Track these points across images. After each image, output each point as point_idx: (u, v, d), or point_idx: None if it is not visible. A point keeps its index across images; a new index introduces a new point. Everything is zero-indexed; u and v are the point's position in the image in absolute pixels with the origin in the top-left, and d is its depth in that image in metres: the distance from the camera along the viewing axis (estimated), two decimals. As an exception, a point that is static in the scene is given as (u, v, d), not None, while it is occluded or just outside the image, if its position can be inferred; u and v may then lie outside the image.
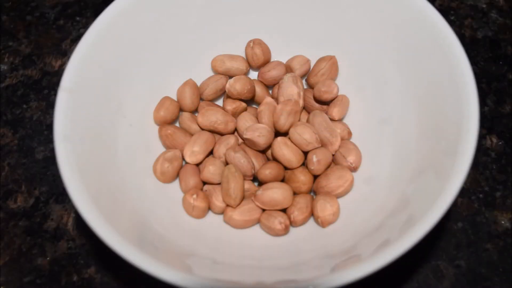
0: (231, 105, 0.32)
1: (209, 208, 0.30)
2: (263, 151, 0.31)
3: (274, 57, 0.35)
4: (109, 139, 0.29)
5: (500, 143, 0.34)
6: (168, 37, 0.32)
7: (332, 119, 0.32)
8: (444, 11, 0.40)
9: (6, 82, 0.38)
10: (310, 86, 0.34)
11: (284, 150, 0.29)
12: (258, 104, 0.34)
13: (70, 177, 0.24)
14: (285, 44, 0.34)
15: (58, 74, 0.38)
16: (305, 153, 0.30)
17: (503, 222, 0.31)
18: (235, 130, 0.32)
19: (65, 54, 0.39)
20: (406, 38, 0.30)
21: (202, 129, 0.32)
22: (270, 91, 0.34)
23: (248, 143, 0.31)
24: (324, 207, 0.28)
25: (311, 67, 0.34)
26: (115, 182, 0.28)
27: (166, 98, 0.32)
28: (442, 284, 0.30)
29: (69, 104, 0.27)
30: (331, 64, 0.33)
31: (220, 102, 0.34)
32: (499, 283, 0.30)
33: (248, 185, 0.30)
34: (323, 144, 0.31)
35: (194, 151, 0.30)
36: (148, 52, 0.32)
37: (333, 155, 0.31)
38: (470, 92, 0.25)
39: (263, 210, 0.29)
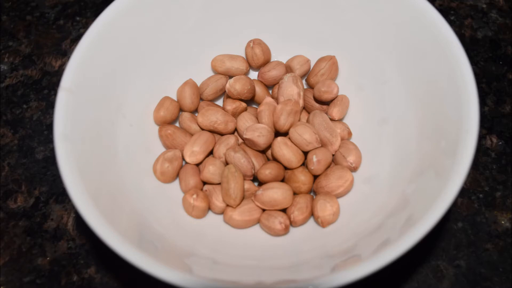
0: (231, 105, 0.32)
1: (209, 208, 0.30)
2: (263, 151, 0.31)
3: (274, 57, 0.35)
4: (109, 139, 0.29)
5: (500, 143, 0.34)
6: (168, 37, 0.32)
7: (332, 119, 0.32)
8: (444, 11, 0.40)
9: (6, 82, 0.38)
10: (310, 86, 0.34)
11: (284, 150, 0.29)
12: (258, 104, 0.34)
13: (70, 177, 0.24)
14: (285, 44, 0.34)
15: (58, 74, 0.38)
16: (305, 153, 0.30)
17: (503, 222, 0.31)
18: (235, 130, 0.32)
19: (65, 54, 0.39)
20: (406, 38, 0.30)
21: (202, 129, 0.32)
22: (270, 91, 0.34)
23: (248, 143, 0.31)
24: (324, 207, 0.28)
25: (311, 67, 0.34)
26: (115, 182, 0.28)
27: (166, 98, 0.32)
28: (442, 284, 0.30)
29: (69, 104, 0.27)
30: (331, 64, 0.33)
31: (220, 102, 0.34)
32: (499, 283, 0.30)
33: (248, 185, 0.30)
34: (323, 144, 0.31)
35: (194, 151, 0.30)
36: (148, 52, 0.32)
37: (333, 155, 0.31)
38: (470, 92, 0.25)
39: (263, 210, 0.29)
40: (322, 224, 0.28)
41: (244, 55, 0.34)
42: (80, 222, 0.32)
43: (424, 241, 0.23)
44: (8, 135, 0.35)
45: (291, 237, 0.29)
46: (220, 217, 0.30)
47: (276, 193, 0.29)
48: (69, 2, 0.41)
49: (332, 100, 0.32)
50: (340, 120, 0.32)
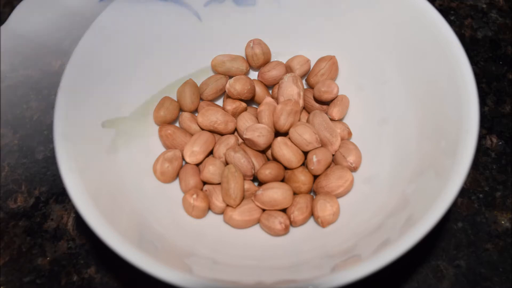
0: (231, 105, 0.32)
1: (209, 208, 0.30)
2: (263, 151, 0.31)
3: (274, 57, 0.35)
4: (109, 139, 0.29)
5: (500, 143, 0.34)
6: (168, 37, 0.32)
7: (332, 119, 0.32)
8: (444, 11, 0.40)
9: (6, 82, 0.38)
10: (310, 86, 0.34)
11: (284, 150, 0.29)
12: (258, 104, 0.34)
13: (70, 177, 0.24)
14: (285, 44, 0.34)
15: (58, 74, 0.38)
16: (305, 153, 0.30)
17: (503, 222, 0.31)
18: (235, 130, 0.32)
19: (65, 54, 0.39)
20: (406, 38, 0.30)
21: (202, 129, 0.32)
22: (270, 91, 0.34)
23: (248, 143, 0.31)
24: (324, 207, 0.28)
25: (311, 67, 0.34)
26: (115, 182, 0.28)
27: (166, 98, 0.32)
28: (442, 284, 0.30)
29: (69, 104, 0.27)
30: (331, 64, 0.33)
31: (220, 102, 0.34)
32: (499, 283, 0.30)
33: (248, 185, 0.30)
34: (323, 144, 0.31)
35: (194, 151, 0.30)
36: (147, 52, 0.32)
37: (333, 155, 0.31)
38: (470, 92, 0.25)
39: (263, 210, 0.29)
40: (322, 224, 0.28)
41: (244, 55, 0.34)
42: (80, 222, 0.32)
43: (424, 241, 0.23)
44: (8, 135, 0.35)
45: (291, 237, 0.29)
46: (220, 217, 0.30)
47: (276, 193, 0.29)
48: (69, 2, 0.41)
49: (332, 100, 0.32)
50: (340, 120, 0.32)
